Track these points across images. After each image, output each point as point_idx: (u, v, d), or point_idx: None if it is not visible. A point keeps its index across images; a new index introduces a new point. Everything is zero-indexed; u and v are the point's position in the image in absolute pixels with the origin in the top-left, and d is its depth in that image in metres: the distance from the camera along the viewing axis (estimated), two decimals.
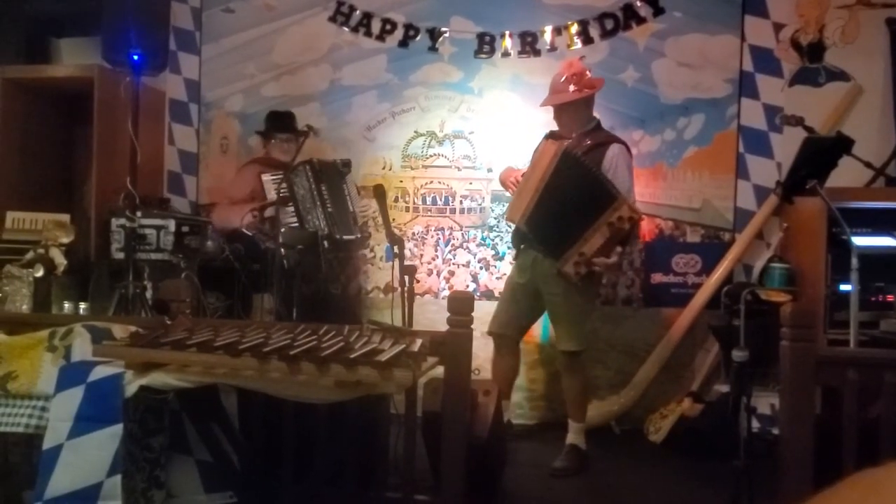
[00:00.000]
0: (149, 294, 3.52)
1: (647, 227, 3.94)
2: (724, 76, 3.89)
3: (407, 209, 4.13)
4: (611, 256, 2.88)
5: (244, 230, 3.59)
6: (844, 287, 3.09)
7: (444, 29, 4.10)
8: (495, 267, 4.07)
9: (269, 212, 3.59)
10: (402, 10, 4.15)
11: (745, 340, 2.33)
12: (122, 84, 3.75)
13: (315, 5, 4.24)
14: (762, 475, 2.23)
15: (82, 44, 4.53)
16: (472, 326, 2.18)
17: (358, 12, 4.19)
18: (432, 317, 3.76)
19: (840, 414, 2.08)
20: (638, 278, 3.95)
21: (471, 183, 4.10)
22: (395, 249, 2.92)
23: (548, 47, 4.02)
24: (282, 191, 3.52)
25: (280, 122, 3.79)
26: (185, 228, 3.67)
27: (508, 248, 4.04)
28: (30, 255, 3.56)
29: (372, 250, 4.14)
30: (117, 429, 1.93)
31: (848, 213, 2.63)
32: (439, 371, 2.18)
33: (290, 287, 3.27)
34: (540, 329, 3.84)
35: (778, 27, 3.86)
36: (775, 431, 3.00)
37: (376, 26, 4.17)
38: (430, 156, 4.15)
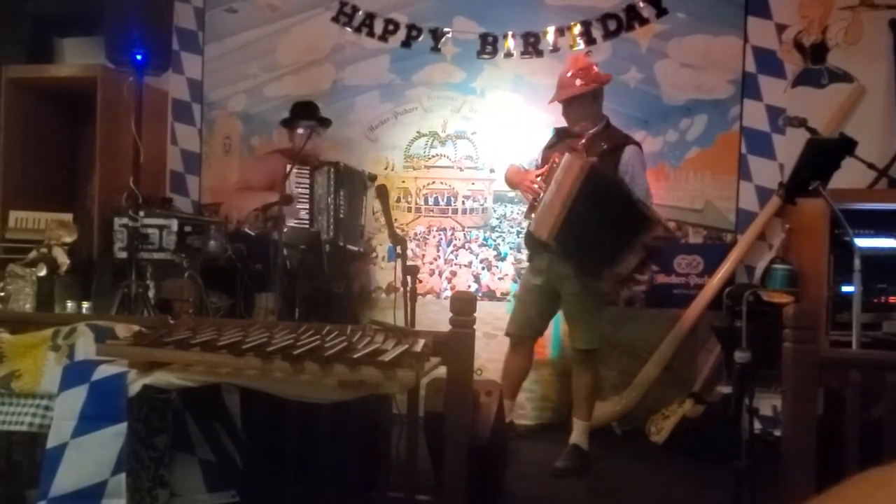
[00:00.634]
0: (151, 293, 3.53)
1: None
2: (727, 77, 3.89)
3: (409, 209, 4.13)
4: (645, 273, 2.90)
5: (247, 230, 3.60)
6: (847, 288, 3.10)
7: (446, 29, 4.10)
8: (497, 267, 4.07)
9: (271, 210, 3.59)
10: (405, 11, 4.16)
11: (747, 341, 2.33)
12: (126, 84, 3.75)
13: (318, 5, 4.25)
14: (764, 476, 2.23)
15: (86, 43, 4.54)
16: (475, 327, 2.18)
17: (361, 12, 4.19)
18: (434, 317, 3.76)
19: (842, 415, 2.08)
20: None
21: (473, 183, 4.10)
22: (398, 249, 2.93)
23: (550, 48, 4.02)
24: (300, 186, 3.53)
25: (304, 111, 3.75)
26: (187, 228, 3.68)
27: (510, 248, 4.05)
28: (33, 254, 3.57)
29: (374, 250, 4.15)
30: (121, 427, 1.93)
31: (850, 215, 2.63)
32: (442, 371, 2.18)
33: (292, 286, 3.28)
34: (548, 330, 3.84)
35: (781, 28, 3.86)
36: (777, 433, 3.00)
37: (379, 26, 4.18)
38: (433, 156, 4.15)
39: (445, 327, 2.19)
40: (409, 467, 2.27)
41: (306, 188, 3.56)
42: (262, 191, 3.58)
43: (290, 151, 3.74)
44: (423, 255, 4.12)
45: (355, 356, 1.88)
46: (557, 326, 3.73)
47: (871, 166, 3.26)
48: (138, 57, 3.51)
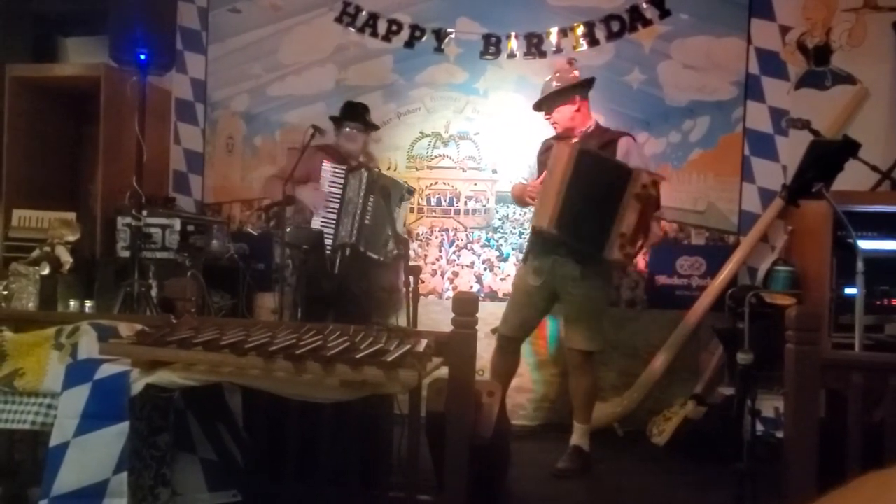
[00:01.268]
0: (154, 293, 3.54)
1: (651, 229, 3.94)
2: (730, 79, 3.89)
3: (412, 210, 4.13)
4: (650, 228, 2.86)
5: (250, 230, 3.60)
6: (849, 290, 3.09)
7: (450, 30, 4.10)
8: (499, 268, 4.07)
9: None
10: (409, 11, 4.16)
11: (749, 343, 2.34)
12: (129, 83, 3.76)
13: (321, 6, 4.25)
14: (766, 478, 2.23)
15: (89, 43, 4.55)
16: (477, 327, 2.18)
17: (364, 13, 4.20)
18: (436, 317, 3.77)
19: (844, 417, 2.07)
20: (642, 280, 3.95)
21: (475, 184, 4.10)
22: (401, 250, 2.93)
23: (553, 49, 4.02)
24: (333, 184, 3.51)
25: (351, 112, 3.72)
26: (190, 227, 3.69)
27: (513, 249, 4.05)
28: (36, 253, 3.58)
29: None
30: (124, 426, 1.94)
31: (853, 217, 2.63)
32: (444, 372, 2.18)
33: (301, 285, 3.26)
34: (548, 330, 3.85)
35: (784, 30, 3.86)
36: (779, 435, 3.00)
37: (382, 27, 4.18)
38: (435, 156, 4.15)
39: (447, 328, 2.19)
40: (411, 467, 2.27)
41: (339, 187, 3.54)
42: (299, 183, 3.53)
43: (331, 148, 3.71)
44: (426, 256, 4.12)
45: (358, 356, 1.89)
46: (557, 327, 3.73)
47: (874, 168, 3.26)
48: (142, 56, 3.52)
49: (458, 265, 4.11)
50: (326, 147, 3.70)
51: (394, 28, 4.17)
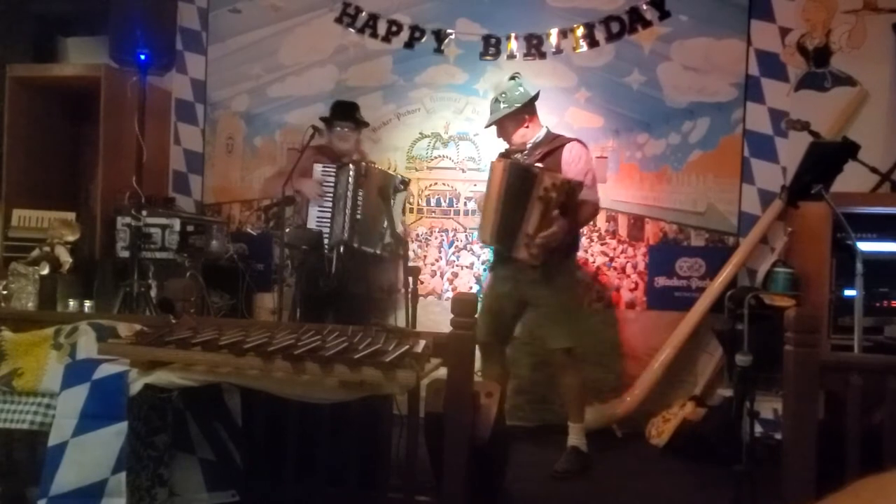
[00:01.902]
0: (153, 293, 3.54)
1: (651, 231, 3.94)
2: (730, 80, 3.89)
3: (411, 210, 4.13)
4: (552, 224, 2.90)
5: (249, 230, 3.60)
6: (849, 292, 3.09)
7: (449, 31, 4.11)
8: None
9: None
10: (408, 12, 4.16)
11: (748, 345, 2.34)
12: (129, 83, 3.77)
13: (321, 6, 4.25)
14: (764, 480, 2.23)
15: (89, 43, 4.54)
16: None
17: (364, 14, 4.20)
18: (435, 318, 3.77)
19: (843, 419, 2.07)
20: (641, 281, 3.95)
21: (475, 185, 4.10)
22: (400, 250, 2.93)
23: (553, 50, 4.02)
24: (325, 183, 3.51)
25: (342, 111, 3.73)
26: (189, 228, 3.69)
27: None
28: (35, 252, 3.58)
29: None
30: (122, 426, 1.94)
31: (853, 218, 2.63)
32: (442, 372, 2.18)
33: (300, 285, 3.26)
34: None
35: (784, 31, 3.86)
36: (778, 436, 3.00)
37: (382, 28, 4.18)
38: (435, 157, 4.16)
39: (446, 328, 2.19)
40: (409, 468, 2.27)
41: (331, 185, 3.54)
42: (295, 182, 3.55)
43: (324, 148, 3.72)
44: (425, 256, 4.12)
45: (356, 357, 1.89)
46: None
47: (873, 170, 3.26)
48: (142, 57, 3.53)
49: (457, 266, 4.11)
50: (322, 147, 3.70)
51: (394, 29, 4.17)
